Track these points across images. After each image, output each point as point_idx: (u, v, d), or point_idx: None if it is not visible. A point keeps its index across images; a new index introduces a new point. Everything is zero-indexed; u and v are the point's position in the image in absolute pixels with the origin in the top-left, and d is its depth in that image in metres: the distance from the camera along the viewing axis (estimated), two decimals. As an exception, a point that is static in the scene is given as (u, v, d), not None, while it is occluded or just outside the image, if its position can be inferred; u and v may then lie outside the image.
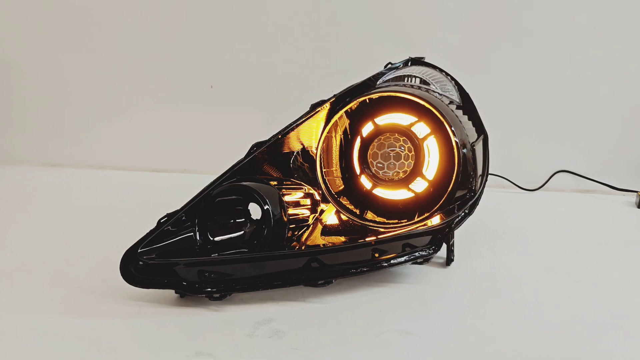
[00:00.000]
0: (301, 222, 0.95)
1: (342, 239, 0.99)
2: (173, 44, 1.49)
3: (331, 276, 0.83)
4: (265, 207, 0.80)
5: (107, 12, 1.48)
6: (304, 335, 0.75)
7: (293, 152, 1.01)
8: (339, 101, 1.00)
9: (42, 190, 1.36)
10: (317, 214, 1.00)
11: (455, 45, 1.43)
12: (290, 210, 0.95)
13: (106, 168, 1.56)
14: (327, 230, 1.00)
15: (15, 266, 0.94)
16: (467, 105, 1.08)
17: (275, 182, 0.91)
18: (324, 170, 1.01)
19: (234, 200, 0.82)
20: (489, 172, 1.39)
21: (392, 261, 0.86)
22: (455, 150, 0.92)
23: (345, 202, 1.02)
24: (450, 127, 0.92)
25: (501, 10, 1.41)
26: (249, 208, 0.85)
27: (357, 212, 1.02)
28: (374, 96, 0.96)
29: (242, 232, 0.81)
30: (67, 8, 1.48)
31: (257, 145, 0.92)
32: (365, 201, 1.02)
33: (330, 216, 1.00)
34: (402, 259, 0.87)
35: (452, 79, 1.12)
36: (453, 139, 0.92)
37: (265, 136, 0.96)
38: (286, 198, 0.95)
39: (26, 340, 0.72)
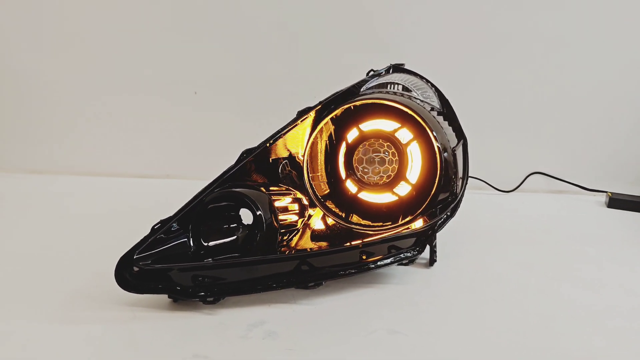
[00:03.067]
0: (290, 227, 0.97)
1: (332, 241, 1.02)
2: (157, 50, 1.50)
3: (321, 278, 0.86)
4: (257, 213, 0.82)
5: (92, 18, 1.48)
6: (296, 335, 0.78)
7: (281, 158, 1.03)
8: (324, 108, 1.03)
9: (28, 197, 1.35)
10: (305, 219, 1.02)
11: (432, 50, 1.48)
12: (280, 216, 0.98)
13: (91, 175, 1.55)
14: (316, 234, 1.03)
15: (8, 273, 0.94)
16: (447, 111, 1.12)
17: (264, 188, 0.93)
18: (310, 175, 1.04)
19: (226, 206, 0.84)
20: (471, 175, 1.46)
21: (378, 263, 0.90)
22: (438, 155, 0.96)
23: (331, 205, 1.05)
24: (432, 132, 0.95)
25: (475, 16, 1.46)
26: (240, 214, 0.87)
27: (343, 215, 1.05)
28: (358, 103, 0.99)
29: (235, 237, 0.83)
30: (50, 14, 1.47)
31: (247, 152, 0.94)
32: (351, 205, 1.05)
33: (318, 220, 1.03)
34: (388, 260, 0.90)
35: (432, 85, 1.15)
36: (435, 144, 0.95)
37: (249, 142, 0.99)
38: (276, 204, 0.97)
39: (21, 347, 0.73)
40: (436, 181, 0.95)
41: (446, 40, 1.47)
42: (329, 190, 1.07)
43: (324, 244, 1.00)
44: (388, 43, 1.47)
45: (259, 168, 0.99)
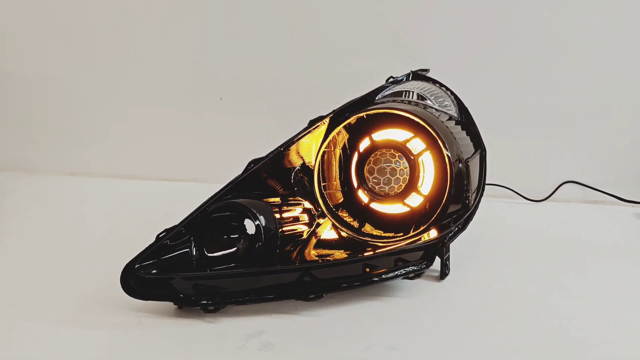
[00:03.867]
0: (297, 237, 0.98)
1: (338, 252, 1.01)
2: (186, 56, 1.53)
3: (322, 290, 0.85)
4: (256, 223, 0.83)
5: (123, 24, 1.54)
6: (292, 348, 0.78)
7: (293, 167, 1.03)
8: (337, 117, 1.03)
9: (57, 200, 1.42)
10: (311, 229, 1.02)
11: (461, 54, 1.44)
12: (288, 227, 0.98)
13: (122, 177, 1.61)
14: (323, 244, 1.03)
15: (26, 275, 0.99)
16: (465, 119, 1.10)
17: (271, 199, 0.94)
18: (322, 184, 1.03)
19: (230, 216, 0.85)
20: (494, 183, 1.42)
21: (383, 276, 0.88)
22: (448, 166, 0.93)
23: (344, 214, 1.05)
24: (444, 143, 0.93)
25: (508, 17, 1.41)
26: (245, 224, 0.88)
27: (356, 224, 1.04)
28: (369, 113, 0.98)
29: (235, 248, 0.85)
30: (81, 22, 1.54)
31: (255, 161, 0.95)
32: (364, 214, 1.04)
33: (326, 231, 1.02)
34: (393, 274, 0.89)
35: (452, 93, 1.13)
36: (445, 153, 0.93)
37: (274, 146, 0.99)
38: (284, 214, 0.98)
39: (28, 349, 0.77)
40: (446, 193, 0.93)
41: (476, 41, 1.42)
42: (342, 199, 1.06)
43: (330, 254, 1.00)
44: (413, 47, 1.44)
45: (270, 177, 1.00)
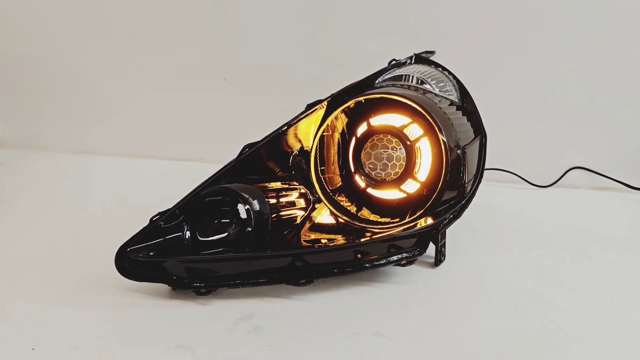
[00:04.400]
0: (293, 222, 0.98)
1: (334, 237, 1.02)
2: (196, 35, 1.53)
3: (314, 276, 0.86)
4: (246, 208, 0.84)
5: (133, 5, 1.54)
6: (280, 332, 0.79)
7: (291, 151, 1.03)
8: (335, 101, 1.02)
9: (65, 178, 1.45)
10: (306, 214, 1.02)
11: (467, 37, 1.41)
12: (284, 211, 0.99)
13: (129, 156, 1.62)
14: (321, 228, 1.03)
15: (28, 253, 1.02)
16: (467, 104, 1.08)
17: (267, 184, 0.94)
18: (320, 168, 1.03)
19: (223, 201, 0.86)
20: (499, 167, 1.40)
21: (375, 262, 0.88)
22: (444, 153, 0.92)
23: (342, 199, 1.05)
24: (440, 129, 0.92)
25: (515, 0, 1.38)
26: (238, 209, 0.88)
27: (354, 209, 1.04)
28: (367, 97, 0.97)
29: (227, 233, 0.85)
30: (93, 3, 1.54)
31: (249, 146, 0.95)
32: (361, 199, 1.04)
33: (324, 215, 1.02)
34: (385, 260, 0.89)
35: (454, 77, 1.11)
36: (441, 139, 0.92)
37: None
38: (280, 199, 0.98)
39: (23, 326, 0.80)
40: (441, 180, 0.93)
41: (483, 24, 1.39)
42: (341, 184, 1.06)
43: (325, 239, 1.01)
44: (421, 28, 1.41)
45: (266, 161, 1.00)
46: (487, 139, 1.06)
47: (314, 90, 1.17)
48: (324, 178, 1.04)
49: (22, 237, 1.10)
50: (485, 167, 1.36)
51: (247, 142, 0.95)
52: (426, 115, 0.93)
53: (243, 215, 0.87)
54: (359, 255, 0.88)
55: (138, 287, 0.88)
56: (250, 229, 0.84)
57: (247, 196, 0.84)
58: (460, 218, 0.95)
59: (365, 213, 1.03)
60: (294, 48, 1.50)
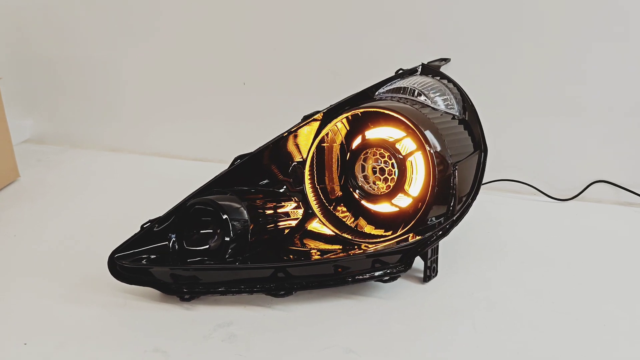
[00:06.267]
0: (285, 231, 1.00)
1: (330, 246, 1.03)
2: (219, 42, 1.57)
3: (294, 288, 0.88)
4: (224, 217, 0.87)
5: (165, 6, 1.59)
6: (253, 342, 0.82)
7: (287, 161, 1.05)
8: (333, 112, 1.03)
9: (93, 175, 1.52)
10: (294, 224, 1.03)
11: (487, 43, 1.36)
12: (278, 221, 1.01)
13: (158, 155, 1.69)
14: (316, 237, 1.05)
15: (43, 249, 1.09)
16: (469, 118, 1.05)
17: (256, 194, 0.97)
18: (317, 178, 1.05)
19: (206, 210, 0.89)
20: (512, 179, 1.35)
21: (357, 277, 0.89)
22: (432, 169, 0.92)
23: (342, 209, 1.06)
24: (428, 143, 0.92)
25: (537, 6, 1.32)
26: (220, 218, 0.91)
27: (352, 219, 1.05)
28: (357, 111, 0.98)
29: (207, 246, 0.89)
30: (125, 4, 1.61)
31: (241, 157, 0.98)
32: (359, 209, 1.05)
33: (309, 226, 1.04)
34: (367, 275, 0.89)
35: (459, 89, 1.08)
36: (429, 152, 0.92)
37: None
38: (274, 210, 1.01)
39: (22, 320, 0.87)
40: (427, 197, 0.92)
41: (508, 17, 1.33)
42: (341, 194, 1.07)
43: (319, 248, 1.02)
44: (441, 31, 1.37)
45: (260, 171, 1.03)
46: (488, 153, 1.03)
47: (332, 96, 1.18)
48: (321, 188, 1.05)
49: (41, 232, 1.17)
50: (499, 179, 1.36)
51: (238, 154, 0.98)
52: (414, 129, 0.92)
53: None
54: (339, 270, 0.89)
55: (132, 290, 0.93)
56: (228, 239, 0.87)
57: (224, 205, 0.87)
58: (465, 232, 0.93)
59: (362, 223, 1.04)
60: (313, 55, 1.51)
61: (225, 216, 0.86)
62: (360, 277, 0.89)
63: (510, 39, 1.35)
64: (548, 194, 1.35)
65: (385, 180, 0.99)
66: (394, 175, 0.98)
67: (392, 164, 0.98)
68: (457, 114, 1.04)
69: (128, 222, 1.00)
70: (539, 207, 1.32)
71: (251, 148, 1.11)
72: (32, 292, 0.95)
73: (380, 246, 0.94)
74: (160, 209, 0.96)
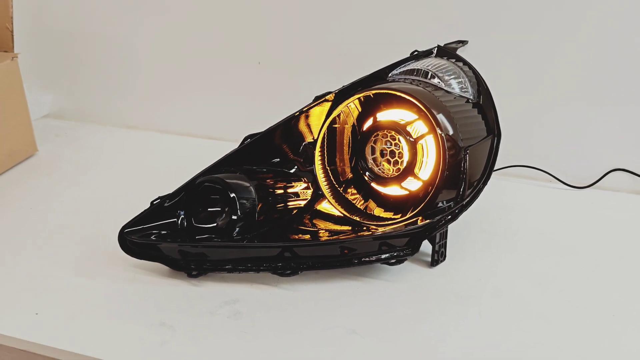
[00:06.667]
0: (290, 210, 1.00)
1: (340, 227, 1.03)
2: (234, 22, 1.56)
3: (300, 268, 0.88)
4: (232, 195, 0.87)
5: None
6: (257, 319, 0.83)
7: (299, 141, 1.05)
8: (345, 92, 1.02)
9: (112, 151, 1.54)
10: (312, 203, 1.04)
11: (508, 28, 1.33)
12: (288, 201, 1.01)
13: (173, 134, 1.70)
14: (327, 217, 1.05)
15: (57, 224, 1.10)
16: (483, 102, 1.04)
17: (266, 174, 0.97)
18: (326, 160, 1.04)
19: (215, 188, 0.90)
20: (527, 164, 1.33)
21: (363, 259, 0.89)
22: (441, 151, 0.91)
23: (352, 191, 1.06)
24: (439, 125, 0.90)
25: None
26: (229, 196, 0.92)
27: (362, 201, 1.05)
28: (366, 94, 0.97)
29: (215, 224, 0.90)
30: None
31: (250, 136, 0.98)
32: (369, 191, 1.04)
33: (318, 205, 1.04)
34: (374, 257, 0.89)
35: (474, 72, 1.06)
36: (439, 134, 0.90)
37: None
38: (284, 190, 1.01)
39: (29, 291, 0.89)
40: (436, 181, 0.91)
41: (526, 17, 1.31)
42: (352, 176, 1.07)
43: (329, 229, 1.02)
44: (468, 13, 1.34)
45: (271, 151, 1.03)
46: (501, 138, 1.01)
47: (345, 77, 1.17)
48: (331, 170, 1.05)
49: (57, 205, 1.19)
50: (514, 164, 1.34)
51: (248, 134, 0.98)
52: (425, 111, 0.91)
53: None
54: (345, 251, 0.89)
55: (142, 264, 0.94)
56: (235, 217, 0.87)
57: (231, 183, 0.87)
58: (476, 217, 0.92)
59: (371, 206, 1.04)
60: (330, 34, 1.49)
61: (232, 194, 0.87)
62: (367, 259, 0.89)
63: (532, 25, 1.32)
64: (564, 181, 1.33)
65: (395, 163, 0.98)
66: (404, 158, 0.97)
67: (403, 146, 0.97)
68: (471, 97, 1.03)
69: (139, 198, 1.01)
70: (554, 194, 1.30)
71: (262, 127, 1.11)
72: (44, 264, 0.97)
73: (388, 229, 0.94)
74: (170, 186, 0.97)
